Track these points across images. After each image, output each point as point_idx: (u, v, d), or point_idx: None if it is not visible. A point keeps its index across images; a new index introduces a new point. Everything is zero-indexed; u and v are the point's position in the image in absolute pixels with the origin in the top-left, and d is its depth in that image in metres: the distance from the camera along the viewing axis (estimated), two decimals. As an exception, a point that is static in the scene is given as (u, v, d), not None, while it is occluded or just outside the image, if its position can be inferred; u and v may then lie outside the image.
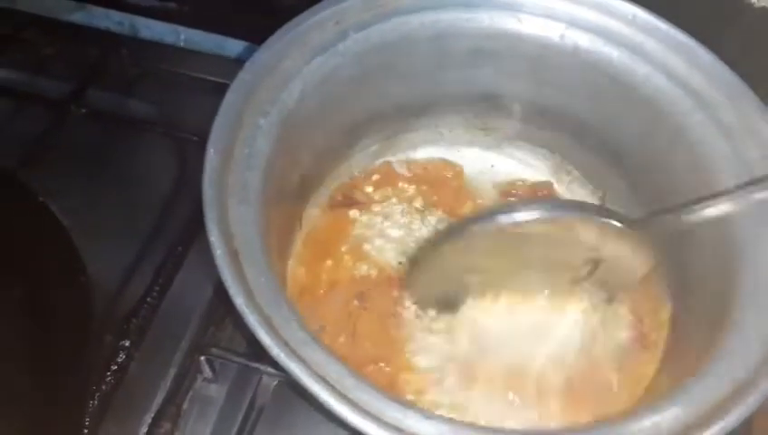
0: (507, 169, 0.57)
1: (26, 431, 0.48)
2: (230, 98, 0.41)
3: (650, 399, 0.43)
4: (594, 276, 0.46)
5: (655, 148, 0.48)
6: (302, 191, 0.50)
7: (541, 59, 0.49)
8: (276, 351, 0.34)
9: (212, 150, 0.39)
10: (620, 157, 0.51)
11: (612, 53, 0.47)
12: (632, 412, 0.37)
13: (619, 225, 0.42)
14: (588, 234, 0.42)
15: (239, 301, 0.35)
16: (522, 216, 0.41)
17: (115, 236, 0.58)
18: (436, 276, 0.47)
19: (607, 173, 0.53)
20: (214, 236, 0.36)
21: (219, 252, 0.36)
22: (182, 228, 0.58)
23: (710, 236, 0.43)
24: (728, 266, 0.42)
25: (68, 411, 0.50)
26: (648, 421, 0.35)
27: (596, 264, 0.45)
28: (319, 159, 0.50)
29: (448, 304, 0.48)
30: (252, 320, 0.35)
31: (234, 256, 0.37)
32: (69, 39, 0.70)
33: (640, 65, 0.47)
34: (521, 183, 0.56)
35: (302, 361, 0.35)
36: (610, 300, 0.48)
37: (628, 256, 0.44)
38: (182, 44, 0.76)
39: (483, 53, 0.49)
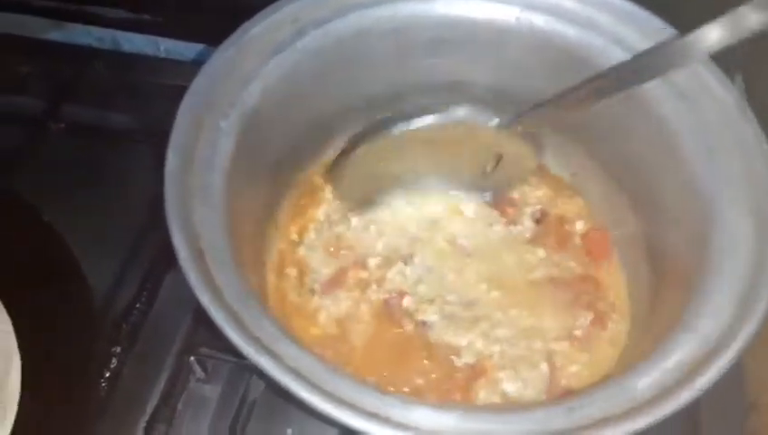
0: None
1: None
2: (188, 100, 0.42)
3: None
4: (497, 170, 0.52)
5: (617, 118, 0.49)
6: (275, 191, 0.51)
7: (499, 43, 0.49)
8: (245, 346, 0.35)
9: (171, 153, 0.40)
10: (586, 132, 0.52)
11: (567, 30, 0.48)
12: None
13: (491, 126, 0.48)
14: (485, 135, 0.49)
15: (205, 300, 0.36)
16: (417, 122, 0.48)
17: (102, 246, 0.59)
18: (354, 177, 0.51)
19: (575, 151, 0.54)
20: (177, 238, 0.37)
21: (183, 253, 0.37)
22: (167, 234, 0.59)
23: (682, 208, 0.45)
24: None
25: (64, 420, 0.51)
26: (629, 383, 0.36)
27: (498, 159, 0.51)
28: (290, 157, 0.51)
29: (367, 204, 0.54)
30: (219, 318, 0.36)
31: (199, 256, 0.38)
32: (46, 57, 0.71)
33: (595, 39, 0.47)
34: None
35: (273, 355, 0.35)
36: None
37: (521, 151, 0.50)
38: (162, 55, 0.77)
39: (442, 42, 0.50)
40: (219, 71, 0.44)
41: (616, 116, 0.49)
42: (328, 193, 0.54)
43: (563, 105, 0.45)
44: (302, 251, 0.52)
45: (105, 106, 0.68)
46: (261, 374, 0.35)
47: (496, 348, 0.48)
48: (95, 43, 0.76)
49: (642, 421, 0.33)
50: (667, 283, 0.46)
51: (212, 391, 0.54)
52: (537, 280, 0.51)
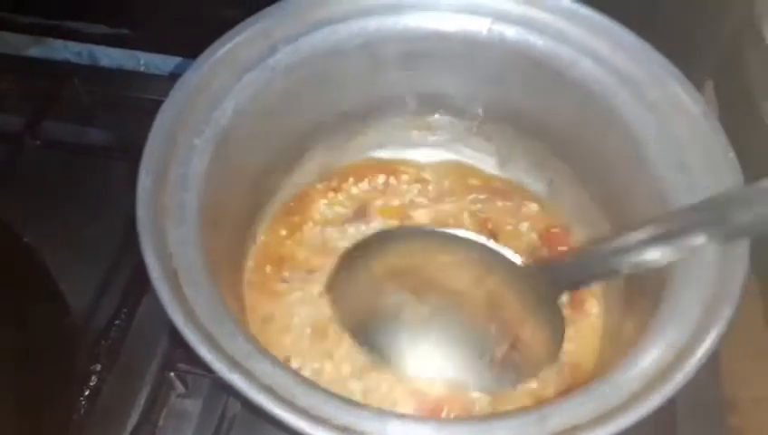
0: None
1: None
2: (161, 119, 0.42)
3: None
4: (508, 356, 0.47)
5: (588, 130, 0.49)
6: (251, 208, 0.51)
7: (471, 55, 0.50)
8: (218, 365, 0.35)
9: (143, 172, 0.40)
10: (559, 142, 0.52)
11: (537, 41, 0.48)
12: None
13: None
14: (511, 294, 0.46)
15: (178, 320, 0.36)
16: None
17: (80, 263, 0.59)
18: (356, 292, 0.49)
19: (550, 159, 0.54)
20: (149, 258, 0.37)
21: (155, 274, 0.37)
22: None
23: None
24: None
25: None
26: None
27: (514, 341, 0.46)
28: (265, 174, 0.51)
29: (371, 342, 0.48)
30: (191, 338, 0.36)
31: (172, 275, 0.38)
32: (25, 73, 0.72)
33: (566, 51, 0.48)
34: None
35: (246, 373, 0.35)
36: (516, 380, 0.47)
37: (543, 328, 0.46)
38: (142, 69, 0.77)
39: (414, 55, 0.50)
40: (192, 88, 0.44)
41: (588, 127, 0.50)
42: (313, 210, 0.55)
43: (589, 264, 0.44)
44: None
45: (83, 122, 0.68)
46: (235, 394, 0.35)
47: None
48: (73, 59, 0.77)
49: (611, 428, 0.34)
50: (637, 285, 0.46)
51: (193, 406, 0.54)
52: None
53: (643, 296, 0.44)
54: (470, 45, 0.49)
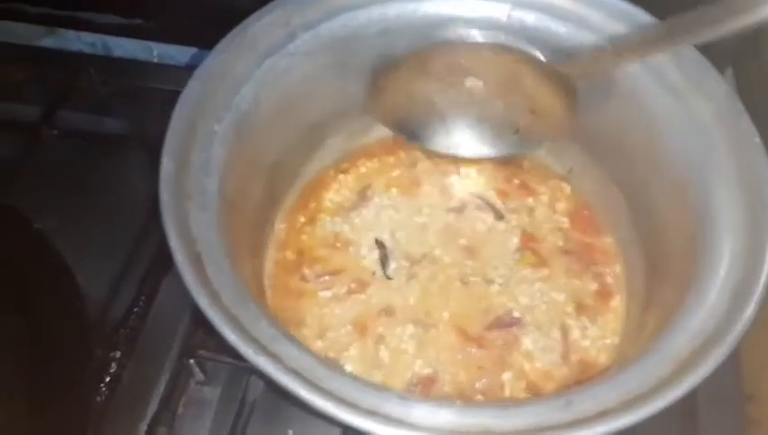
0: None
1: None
2: (182, 105, 0.42)
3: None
4: (528, 126, 0.52)
5: (610, 117, 0.49)
6: (270, 193, 0.51)
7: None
8: (243, 347, 0.35)
9: (166, 159, 0.40)
10: (581, 131, 0.52)
11: (559, 27, 0.48)
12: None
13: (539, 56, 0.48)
14: (531, 80, 0.49)
15: (203, 302, 0.36)
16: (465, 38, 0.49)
17: (99, 251, 0.59)
18: (396, 87, 0.51)
19: (571, 149, 0.54)
20: (173, 242, 0.37)
21: (180, 257, 0.37)
22: (164, 238, 0.59)
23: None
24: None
25: (65, 427, 0.51)
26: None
27: (533, 112, 0.52)
28: (283, 160, 0.51)
29: (408, 131, 0.54)
30: (217, 320, 0.36)
31: (196, 259, 0.38)
32: (40, 63, 0.71)
33: (587, 36, 0.47)
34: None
35: (272, 356, 0.36)
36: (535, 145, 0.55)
37: (560, 106, 0.50)
38: (155, 60, 0.77)
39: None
40: (212, 75, 0.44)
41: (610, 113, 0.50)
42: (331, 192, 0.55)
43: (613, 52, 0.46)
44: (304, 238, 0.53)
45: (98, 112, 0.68)
46: (261, 375, 0.35)
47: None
48: (87, 49, 0.77)
49: (637, 415, 0.34)
50: (661, 276, 0.46)
51: (212, 393, 0.54)
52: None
53: (665, 291, 0.44)
54: (489, 30, 0.49)
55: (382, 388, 0.36)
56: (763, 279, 0.38)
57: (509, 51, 0.49)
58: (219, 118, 0.44)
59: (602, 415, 0.34)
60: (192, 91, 0.43)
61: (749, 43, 0.60)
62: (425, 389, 0.47)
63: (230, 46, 0.45)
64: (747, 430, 0.52)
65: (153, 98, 0.68)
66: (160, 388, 0.53)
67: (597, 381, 0.36)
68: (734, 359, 0.53)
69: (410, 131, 0.55)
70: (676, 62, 0.45)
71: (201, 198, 0.41)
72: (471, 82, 0.51)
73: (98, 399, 0.52)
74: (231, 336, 0.36)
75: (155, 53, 0.77)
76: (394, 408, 0.34)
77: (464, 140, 0.55)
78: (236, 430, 0.51)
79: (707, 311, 0.38)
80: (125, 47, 0.77)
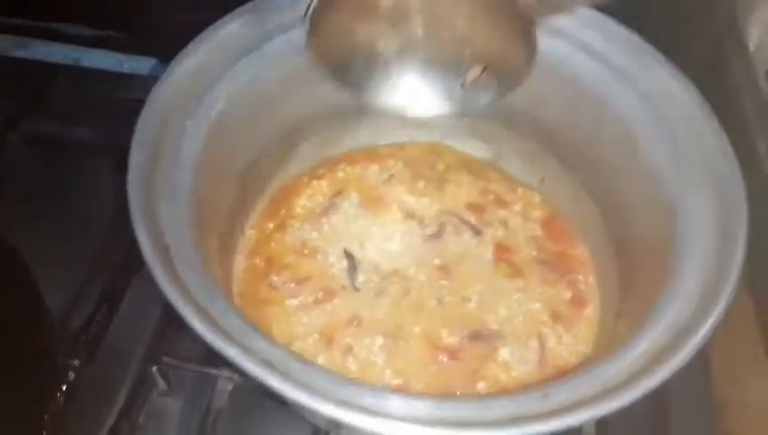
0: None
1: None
2: (154, 99, 0.41)
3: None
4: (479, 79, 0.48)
5: (582, 123, 0.50)
6: (242, 197, 0.50)
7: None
8: (213, 338, 0.34)
9: (136, 149, 0.39)
10: (552, 137, 0.53)
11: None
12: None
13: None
14: (485, 19, 0.46)
15: (172, 293, 0.35)
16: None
17: (63, 257, 0.57)
18: (336, 25, 0.47)
19: (542, 157, 0.54)
20: (141, 234, 0.36)
21: (148, 249, 0.36)
22: (129, 246, 0.57)
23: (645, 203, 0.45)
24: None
25: (18, 437, 0.49)
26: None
27: (483, 69, 0.48)
28: (256, 164, 0.50)
29: (350, 81, 0.49)
30: (186, 312, 0.35)
31: (164, 252, 0.37)
32: (10, 73, 0.70)
33: (561, 45, 0.48)
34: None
35: (243, 347, 0.34)
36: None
37: (512, 54, 0.47)
38: (126, 71, 0.77)
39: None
40: (186, 70, 0.44)
41: (581, 121, 0.50)
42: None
43: None
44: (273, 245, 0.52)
45: (67, 121, 0.67)
46: (232, 368, 0.34)
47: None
48: (58, 60, 0.76)
49: (612, 404, 0.33)
50: (633, 282, 0.46)
51: (175, 404, 0.53)
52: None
53: (636, 298, 0.44)
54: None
55: (357, 381, 0.35)
56: (734, 274, 0.38)
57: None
58: (191, 114, 0.43)
59: (579, 405, 0.33)
60: (164, 85, 0.42)
61: (713, 63, 0.61)
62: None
63: (202, 45, 0.45)
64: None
65: (122, 108, 0.68)
66: (120, 398, 0.51)
67: (573, 375, 0.36)
68: (704, 368, 0.53)
69: (353, 81, 0.49)
70: (646, 70, 0.46)
71: (171, 192, 0.40)
72: (416, 25, 0.48)
73: (53, 408, 0.50)
74: (201, 328, 0.34)
75: (125, 64, 0.77)
76: (370, 400, 0.33)
77: (410, 96, 0.50)
78: (201, 439, 0.50)
79: (680, 307, 0.38)
80: (95, 58, 0.76)
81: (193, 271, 0.38)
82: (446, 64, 0.49)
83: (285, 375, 0.33)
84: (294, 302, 0.49)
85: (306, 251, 0.52)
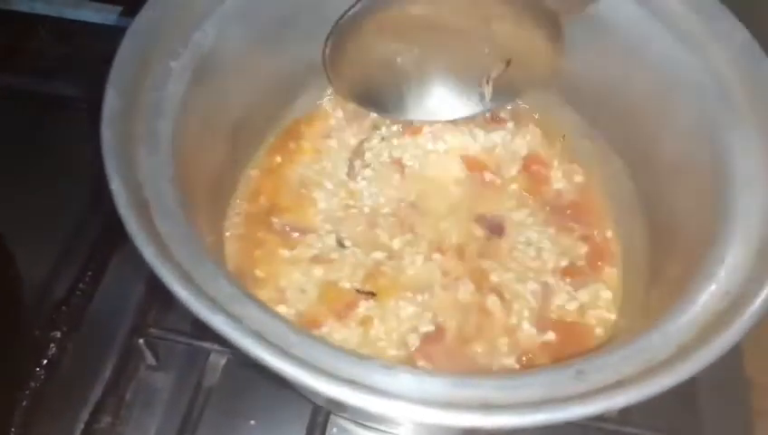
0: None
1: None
2: (132, 35, 0.36)
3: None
4: (505, 75, 0.47)
5: (610, 72, 0.45)
6: (236, 145, 0.45)
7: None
8: (197, 305, 0.30)
9: (111, 90, 0.34)
10: (578, 90, 0.48)
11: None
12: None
13: None
14: (509, 20, 0.44)
15: (148, 253, 0.31)
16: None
17: (41, 222, 0.53)
18: (356, 55, 0.46)
19: (564, 112, 0.50)
20: (115, 184, 0.32)
21: (123, 200, 0.32)
22: (114, 209, 0.53)
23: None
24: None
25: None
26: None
27: (508, 60, 0.46)
28: (250, 112, 0.45)
29: (373, 100, 0.49)
30: (165, 274, 0.30)
31: (142, 206, 0.33)
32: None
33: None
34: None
35: (231, 316, 0.30)
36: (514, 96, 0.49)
37: (543, 48, 0.45)
38: (114, 24, 0.72)
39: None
40: (170, 5, 0.38)
41: (610, 68, 0.45)
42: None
43: None
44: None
45: (45, 74, 0.62)
46: (222, 342, 0.30)
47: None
48: (40, 10, 0.71)
49: (661, 384, 0.29)
50: (668, 247, 0.41)
51: (164, 379, 0.49)
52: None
53: (673, 263, 0.40)
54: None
55: (364, 356, 0.30)
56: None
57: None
58: (176, 54, 0.38)
59: (619, 386, 0.29)
60: (144, 20, 0.37)
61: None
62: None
63: (188, -25, 0.39)
64: (751, 421, 0.49)
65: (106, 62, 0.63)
66: (106, 372, 0.48)
67: (612, 348, 0.31)
68: (736, 348, 0.49)
69: (379, 103, 0.49)
70: (688, 7, 0.41)
71: (151, 141, 0.35)
72: (432, 34, 0.46)
73: (32, 384, 0.47)
74: (182, 293, 0.30)
75: (111, 17, 0.72)
76: (376, 377, 0.29)
77: (436, 103, 0.49)
78: (190, 420, 0.46)
79: (729, 272, 0.34)
80: (80, 10, 0.71)
81: (176, 229, 0.33)
82: (468, 66, 0.48)
83: (280, 349, 0.28)
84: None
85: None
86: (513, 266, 0.45)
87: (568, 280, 0.45)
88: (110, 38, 0.64)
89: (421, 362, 0.41)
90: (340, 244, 0.45)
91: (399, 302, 0.43)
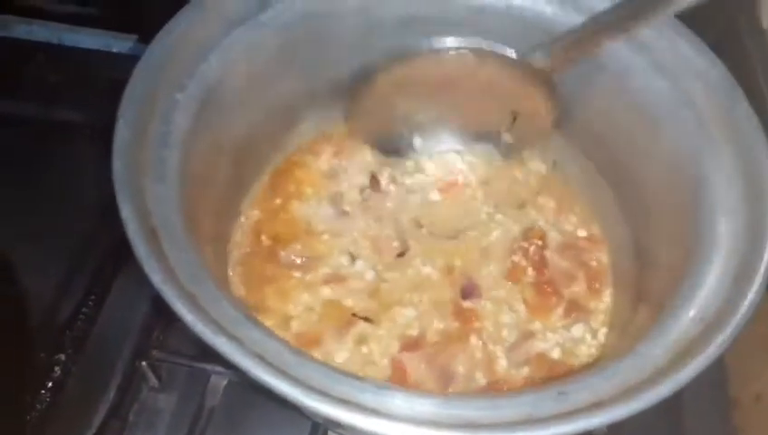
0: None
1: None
2: (141, 69, 0.38)
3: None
4: (512, 130, 0.51)
5: (596, 104, 0.47)
6: (238, 174, 0.47)
7: (474, 21, 0.47)
8: (200, 327, 0.31)
9: (122, 122, 0.36)
10: (564, 121, 0.50)
11: (545, 8, 0.46)
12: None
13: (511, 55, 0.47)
14: (508, 81, 0.48)
15: (156, 278, 0.32)
16: (436, 44, 0.48)
17: (47, 245, 0.54)
18: (374, 106, 0.50)
19: (554, 141, 0.52)
20: (126, 212, 0.34)
21: (133, 227, 0.33)
22: (118, 235, 0.55)
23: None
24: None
25: None
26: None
27: (514, 116, 0.50)
28: (253, 139, 0.47)
29: (393, 150, 0.53)
30: (171, 297, 0.32)
31: (151, 233, 0.34)
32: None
33: (574, 17, 0.45)
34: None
35: (234, 338, 0.32)
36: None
37: (536, 106, 0.48)
38: (113, 50, 0.74)
39: (414, 21, 0.47)
40: (176, 40, 0.40)
41: (597, 101, 0.47)
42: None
43: (594, 29, 0.44)
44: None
45: (48, 101, 0.64)
46: (223, 363, 0.31)
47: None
48: (37, 38, 0.73)
49: (634, 406, 0.31)
50: (652, 266, 0.43)
51: (166, 400, 0.50)
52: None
53: (657, 282, 0.42)
54: (474, 11, 0.47)
55: (357, 377, 0.32)
56: (764, 262, 0.35)
57: (480, 54, 0.47)
58: (182, 86, 0.40)
59: (598, 406, 0.30)
60: (153, 55, 0.39)
61: (726, 44, 0.58)
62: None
63: (194, 11, 0.41)
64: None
65: (106, 88, 0.65)
66: (110, 394, 0.49)
67: (589, 372, 0.33)
68: (718, 363, 0.51)
69: (395, 150, 0.53)
70: (668, 43, 0.43)
71: (159, 170, 0.37)
72: (449, 94, 0.50)
73: (38, 406, 0.48)
74: (187, 316, 0.32)
75: (110, 43, 0.74)
76: (368, 397, 0.31)
77: (449, 153, 0.54)
78: (193, 437, 0.47)
79: (706, 297, 0.36)
80: (77, 37, 0.73)
81: (182, 254, 0.35)
82: (479, 120, 0.52)
83: (278, 369, 0.30)
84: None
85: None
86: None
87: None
88: (109, 63, 0.67)
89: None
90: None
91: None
